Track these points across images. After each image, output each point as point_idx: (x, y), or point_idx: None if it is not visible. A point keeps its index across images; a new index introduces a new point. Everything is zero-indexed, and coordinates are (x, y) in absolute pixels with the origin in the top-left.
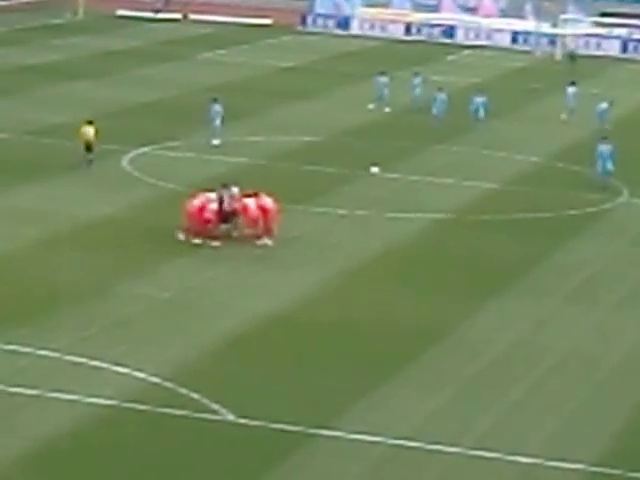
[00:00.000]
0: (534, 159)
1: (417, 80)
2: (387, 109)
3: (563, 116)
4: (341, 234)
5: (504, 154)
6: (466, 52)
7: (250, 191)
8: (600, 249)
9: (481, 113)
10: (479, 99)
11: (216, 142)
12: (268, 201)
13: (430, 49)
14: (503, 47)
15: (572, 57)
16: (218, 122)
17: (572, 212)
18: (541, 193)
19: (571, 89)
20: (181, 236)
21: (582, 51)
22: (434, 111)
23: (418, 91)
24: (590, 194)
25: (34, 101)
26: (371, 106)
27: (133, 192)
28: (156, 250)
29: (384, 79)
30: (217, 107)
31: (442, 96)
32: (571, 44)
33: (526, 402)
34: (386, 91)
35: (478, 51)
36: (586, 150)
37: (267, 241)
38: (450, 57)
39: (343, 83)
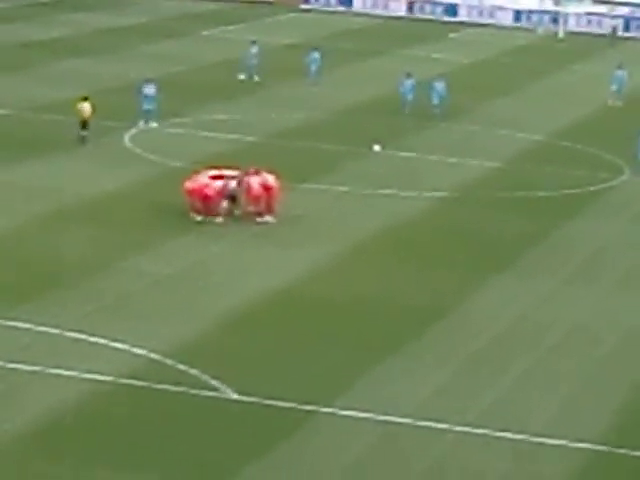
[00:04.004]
0: (536, 137)
1: (254, 49)
2: (256, 78)
3: (617, 102)
4: (343, 212)
5: (506, 132)
6: (468, 30)
7: (252, 169)
8: (602, 227)
9: (436, 100)
10: (438, 85)
11: (154, 124)
12: (270, 178)
13: (432, 27)
14: (505, 25)
15: (613, 37)
16: (148, 105)
17: (574, 190)
18: (543, 171)
19: (620, 72)
20: (198, 218)
21: (584, 29)
22: (409, 97)
23: (254, 61)
24: (592, 172)
25: (38, 77)
26: (242, 76)
27: (135, 169)
28: (158, 226)
29: (254, 49)
30: (149, 88)
31: (410, 82)
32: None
33: (528, 379)
34: (255, 61)
35: (480, 29)
36: (588, 129)
37: (269, 218)
38: (452, 35)
39: (345, 60)
